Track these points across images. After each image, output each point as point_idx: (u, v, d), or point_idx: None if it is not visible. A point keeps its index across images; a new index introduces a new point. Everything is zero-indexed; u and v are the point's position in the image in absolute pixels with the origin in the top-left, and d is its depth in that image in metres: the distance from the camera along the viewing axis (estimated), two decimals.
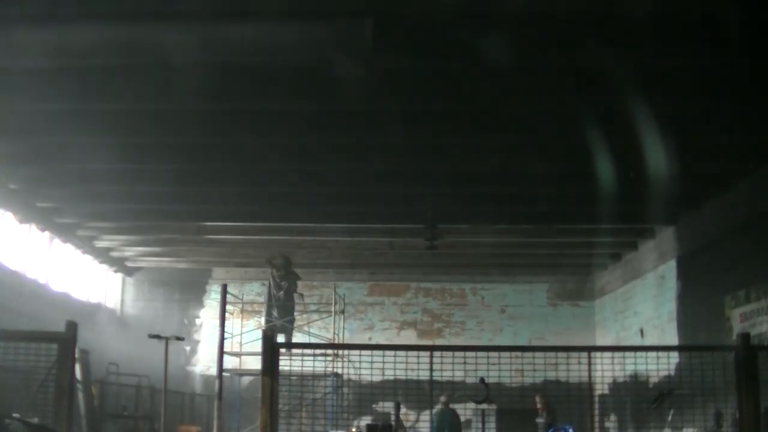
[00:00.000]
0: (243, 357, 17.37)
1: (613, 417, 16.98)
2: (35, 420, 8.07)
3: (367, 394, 12.17)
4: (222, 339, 10.16)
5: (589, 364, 8.94)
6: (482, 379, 11.86)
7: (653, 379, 14.32)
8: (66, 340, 7.34)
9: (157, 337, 11.99)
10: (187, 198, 14.46)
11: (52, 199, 14.71)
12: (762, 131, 10.05)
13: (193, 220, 16.20)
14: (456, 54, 8.04)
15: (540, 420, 14.41)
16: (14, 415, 8.16)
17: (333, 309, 17.13)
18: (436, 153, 11.59)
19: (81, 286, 18.94)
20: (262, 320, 16.83)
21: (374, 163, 11.95)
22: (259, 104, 9.68)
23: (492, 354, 8.69)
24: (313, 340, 15.07)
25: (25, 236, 15.86)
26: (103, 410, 16.04)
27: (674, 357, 12.42)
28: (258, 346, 7.63)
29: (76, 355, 8.14)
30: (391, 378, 9.03)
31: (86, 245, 18.35)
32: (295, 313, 16.87)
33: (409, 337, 21.50)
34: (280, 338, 16.08)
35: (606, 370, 8.10)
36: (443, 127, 10.39)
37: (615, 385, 15.11)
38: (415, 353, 8.32)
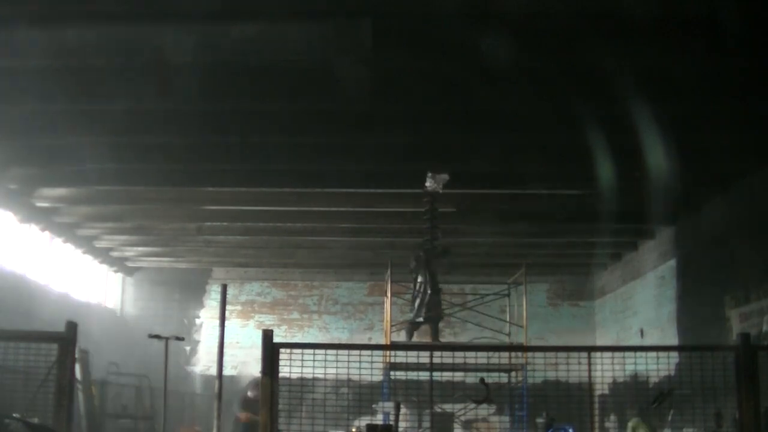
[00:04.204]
0: None
1: (613, 417, 16.98)
2: (35, 420, 8.06)
3: (367, 394, 12.17)
4: (222, 339, 10.14)
5: (589, 364, 8.94)
6: (482, 379, 11.87)
7: (653, 379, 14.33)
8: (66, 340, 7.33)
9: (157, 337, 11.98)
10: (187, 198, 14.46)
11: (52, 199, 14.71)
12: (762, 131, 10.05)
13: (193, 220, 16.21)
14: (456, 54, 8.04)
15: (540, 420, 14.42)
16: (14, 415, 8.15)
17: None
18: (436, 153, 11.60)
19: (81, 286, 18.94)
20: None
21: (374, 163, 11.95)
22: (259, 104, 9.68)
23: (492, 354, 8.69)
24: None
25: (25, 236, 15.87)
26: (103, 410, 16.05)
27: (674, 357, 12.42)
28: None
29: (76, 355, 8.13)
30: (391, 378, 9.03)
31: (86, 245, 18.35)
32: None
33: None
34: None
35: (606, 370, 8.09)
36: (442, 127, 10.39)
37: (615, 385, 15.11)
38: (414, 353, 8.32)
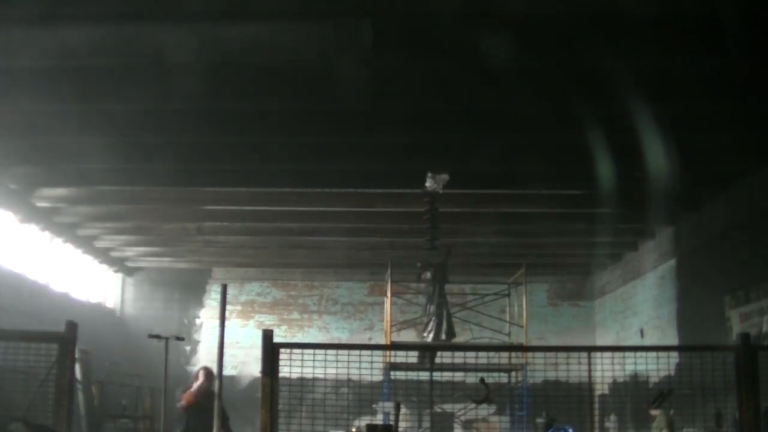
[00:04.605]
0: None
1: (613, 417, 16.99)
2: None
3: (367, 394, 12.18)
4: (222, 339, 10.14)
5: (589, 364, 8.92)
6: (482, 379, 11.88)
7: (653, 379, 14.33)
8: (66, 340, 7.33)
9: (157, 337, 11.98)
10: (187, 198, 14.46)
11: (52, 199, 14.72)
12: (762, 131, 10.05)
13: (193, 220, 16.21)
14: (456, 54, 8.04)
15: (540, 420, 14.43)
16: (18, 418, 8.15)
17: None
18: (436, 153, 11.60)
19: (81, 286, 18.94)
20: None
21: (374, 163, 11.95)
22: (259, 104, 9.68)
23: (492, 354, 8.69)
24: None
25: (25, 236, 15.87)
26: (103, 410, 16.04)
27: (674, 357, 12.43)
28: None
29: (76, 355, 8.13)
30: (391, 378, 9.03)
31: (86, 245, 18.35)
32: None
33: (409, 337, 21.50)
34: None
35: (606, 370, 8.09)
36: (442, 127, 10.39)
37: (615, 385, 15.11)
38: (415, 353, 8.32)
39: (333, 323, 22.06)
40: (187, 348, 21.54)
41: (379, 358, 7.79)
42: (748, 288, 12.05)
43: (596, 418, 13.77)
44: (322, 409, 7.91)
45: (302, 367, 6.81)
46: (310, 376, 6.90)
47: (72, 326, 7.42)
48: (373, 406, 13.38)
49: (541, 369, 14.34)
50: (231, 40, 7.58)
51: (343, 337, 21.60)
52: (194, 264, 21.13)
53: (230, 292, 14.74)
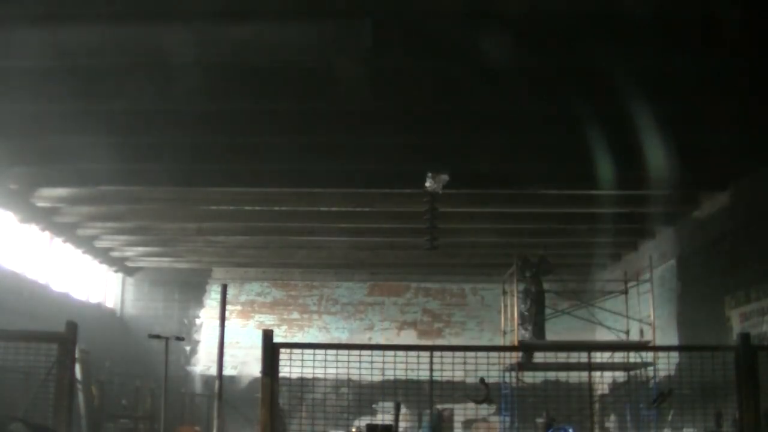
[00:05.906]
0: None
1: (613, 417, 16.98)
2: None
3: (367, 394, 12.18)
4: (222, 339, 10.17)
5: (589, 364, 8.95)
6: (482, 379, 11.86)
7: (653, 379, 14.33)
8: (66, 340, 7.34)
9: (157, 337, 11.99)
10: (187, 198, 14.46)
11: (52, 199, 14.72)
12: (762, 131, 10.05)
13: (193, 220, 16.20)
14: (456, 54, 8.04)
15: (540, 420, 14.43)
16: (18, 418, 8.15)
17: None
18: (436, 153, 11.59)
19: (81, 286, 18.95)
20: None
21: (374, 163, 11.95)
22: (260, 104, 9.68)
23: (492, 354, 8.70)
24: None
25: (25, 236, 15.87)
26: (103, 410, 16.03)
27: (674, 357, 12.43)
28: None
29: (76, 355, 8.13)
30: (391, 378, 9.04)
31: (86, 245, 18.35)
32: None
33: (409, 337, 21.51)
34: None
35: (606, 370, 8.10)
36: (442, 127, 10.39)
37: (615, 385, 15.12)
38: (415, 353, 8.32)
39: (333, 323, 22.07)
40: (187, 348, 21.54)
41: (378, 358, 7.76)
42: (748, 288, 12.05)
43: (596, 418, 13.78)
44: (322, 409, 7.92)
45: (302, 367, 6.81)
46: (310, 376, 6.90)
47: (72, 326, 7.44)
48: (373, 406, 13.38)
49: (541, 369, 14.31)
50: (231, 40, 7.58)
51: (343, 337, 21.60)
52: (194, 264, 21.13)
53: (230, 292, 14.76)
